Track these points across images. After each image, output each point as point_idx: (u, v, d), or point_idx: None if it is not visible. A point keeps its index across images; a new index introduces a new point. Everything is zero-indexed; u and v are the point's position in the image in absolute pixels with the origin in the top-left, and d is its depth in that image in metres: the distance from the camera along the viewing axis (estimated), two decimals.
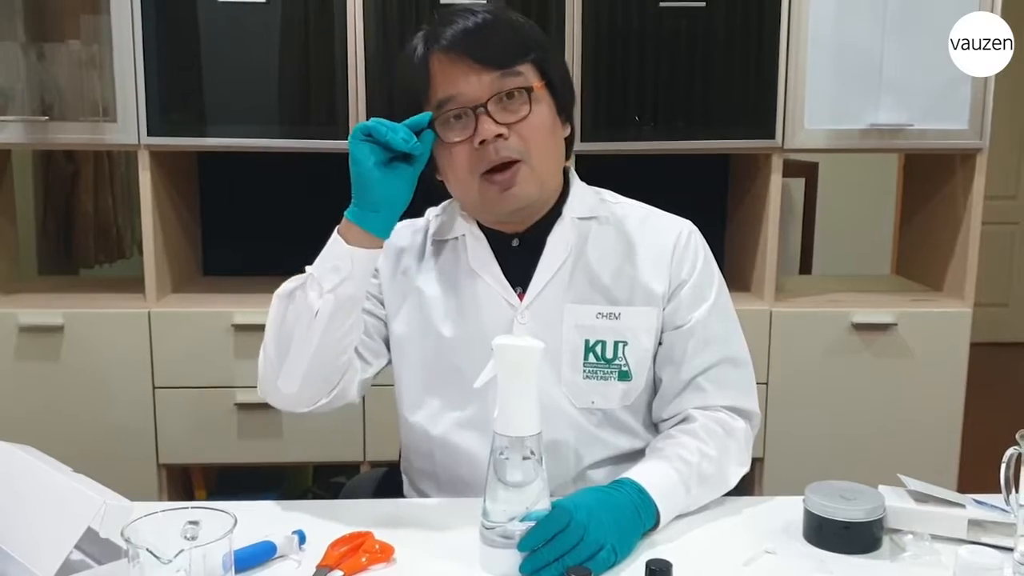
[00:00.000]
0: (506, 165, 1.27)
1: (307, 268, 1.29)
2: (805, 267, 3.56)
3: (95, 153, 3.55)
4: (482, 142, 1.25)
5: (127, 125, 2.23)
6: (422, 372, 1.39)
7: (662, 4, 2.21)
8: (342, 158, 2.28)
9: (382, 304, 1.41)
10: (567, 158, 1.39)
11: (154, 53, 2.21)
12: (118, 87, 2.23)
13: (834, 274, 3.83)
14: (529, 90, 1.27)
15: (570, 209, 1.38)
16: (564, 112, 1.35)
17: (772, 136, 2.29)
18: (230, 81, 2.25)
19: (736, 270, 2.49)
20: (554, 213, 1.37)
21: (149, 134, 2.23)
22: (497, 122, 1.25)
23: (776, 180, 2.33)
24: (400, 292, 1.40)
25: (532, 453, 1.09)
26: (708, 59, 2.27)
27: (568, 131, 1.37)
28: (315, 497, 2.64)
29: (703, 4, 2.22)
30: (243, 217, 2.73)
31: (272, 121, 2.27)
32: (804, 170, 3.51)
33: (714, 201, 2.73)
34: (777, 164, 2.32)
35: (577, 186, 1.41)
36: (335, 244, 1.26)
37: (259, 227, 2.73)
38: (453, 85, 1.26)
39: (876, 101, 2.29)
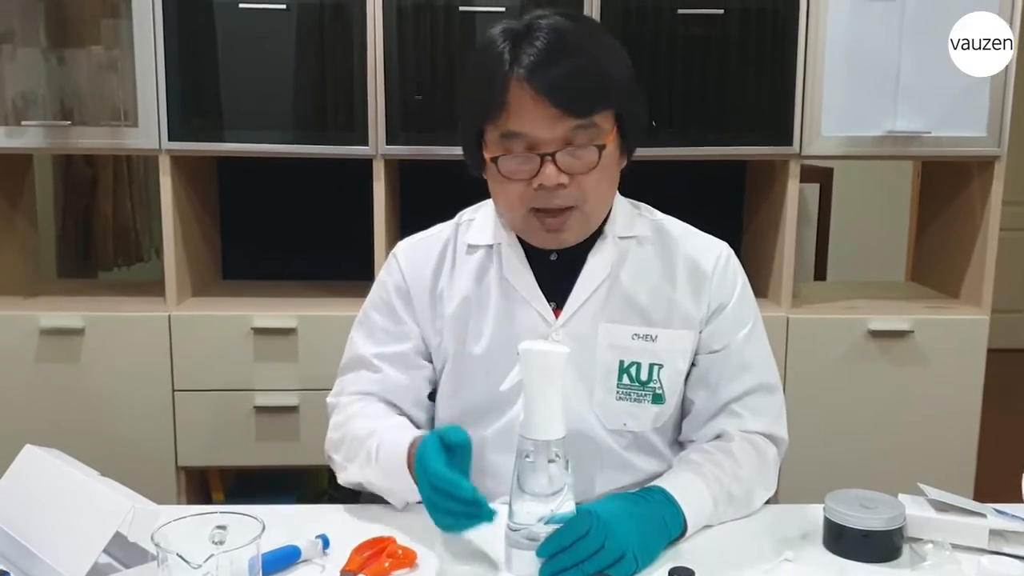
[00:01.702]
0: (558, 210, 1.25)
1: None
2: (819, 273, 3.55)
3: (114, 157, 3.56)
4: (540, 185, 1.23)
5: (148, 130, 2.25)
6: (454, 385, 1.39)
7: (680, 11, 2.22)
8: (359, 164, 2.32)
9: (417, 328, 1.40)
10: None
11: (175, 58, 2.23)
12: (139, 92, 2.24)
13: (848, 280, 3.82)
14: (601, 146, 1.24)
15: (612, 228, 1.35)
16: (628, 151, 1.32)
17: (789, 143, 2.29)
18: (250, 86, 2.26)
19: (753, 276, 2.45)
20: (596, 230, 1.34)
21: (170, 139, 2.25)
22: (561, 170, 1.22)
23: (793, 187, 2.33)
24: (433, 315, 1.39)
25: (557, 456, 1.10)
26: (725, 66, 2.27)
27: (625, 162, 1.33)
28: (331, 500, 2.64)
29: (721, 12, 2.22)
30: (262, 221, 2.75)
31: (292, 126, 2.28)
32: (819, 175, 3.50)
33: (731, 207, 2.73)
34: (794, 171, 2.32)
35: (619, 204, 1.38)
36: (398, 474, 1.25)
37: (278, 231, 2.75)
38: (527, 123, 1.21)
39: (893, 108, 2.29)
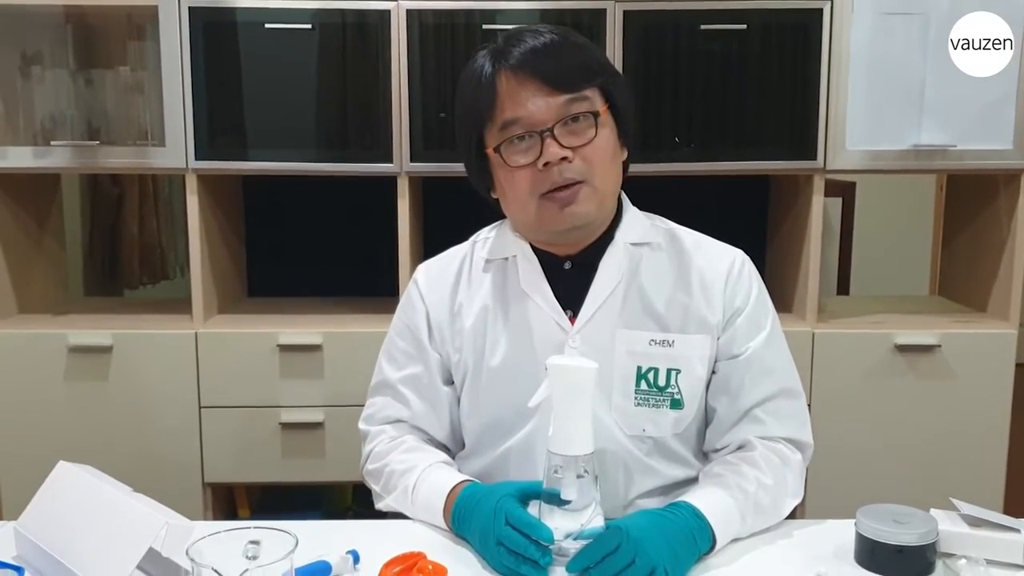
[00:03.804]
0: (568, 185, 1.28)
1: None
2: (843, 287, 3.54)
3: (140, 176, 3.60)
4: (546, 164, 1.26)
5: (175, 149, 2.27)
6: (474, 399, 1.40)
7: (703, 27, 2.22)
8: (384, 181, 2.33)
9: (438, 356, 1.43)
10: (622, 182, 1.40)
11: (201, 78, 2.25)
12: (166, 112, 2.26)
13: (871, 294, 3.80)
14: (595, 115, 1.28)
15: (623, 234, 1.38)
16: (625, 136, 1.35)
17: (813, 157, 2.28)
18: (276, 105, 2.28)
19: (778, 291, 2.48)
20: (607, 237, 1.37)
21: (197, 158, 2.27)
22: (562, 145, 1.26)
23: (818, 201, 2.33)
24: (452, 332, 1.41)
25: (586, 472, 1.10)
26: (749, 81, 2.27)
27: (626, 155, 1.37)
28: (355, 515, 2.65)
29: (744, 27, 2.22)
30: (287, 238, 2.77)
31: (317, 144, 2.29)
32: (841, 190, 3.49)
33: (755, 222, 2.73)
34: (819, 185, 2.32)
35: (630, 211, 1.41)
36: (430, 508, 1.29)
37: (303, 248, 2.77)
38: (520, 106, 1.26)
39: (918, 122, 2.28)
